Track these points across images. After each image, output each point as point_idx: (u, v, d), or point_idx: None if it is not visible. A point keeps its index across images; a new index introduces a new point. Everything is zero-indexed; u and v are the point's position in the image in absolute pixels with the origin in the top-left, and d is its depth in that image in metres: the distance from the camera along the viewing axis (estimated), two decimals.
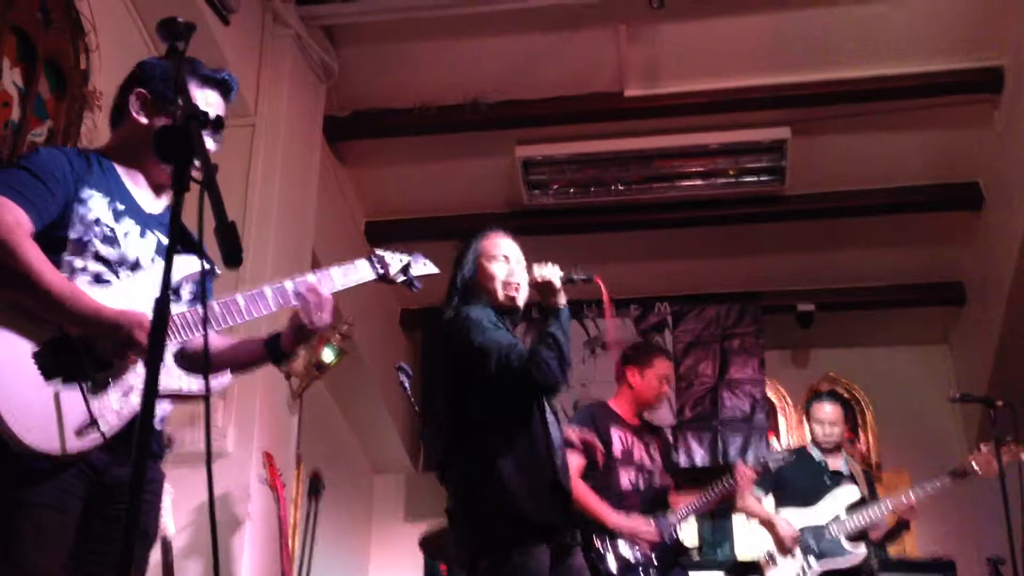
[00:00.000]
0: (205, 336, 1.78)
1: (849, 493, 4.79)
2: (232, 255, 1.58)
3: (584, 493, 4.02)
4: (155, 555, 3.86)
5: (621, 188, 6.30)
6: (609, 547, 4.11)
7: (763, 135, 5.91)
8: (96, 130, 3.87)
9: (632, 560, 4.10)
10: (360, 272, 2.54)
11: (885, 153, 6.05)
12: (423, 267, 2.73)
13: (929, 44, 5.39)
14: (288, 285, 2.34)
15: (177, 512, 4.06)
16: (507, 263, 3.09)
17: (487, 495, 2.84)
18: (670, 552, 4.25)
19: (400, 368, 4.27)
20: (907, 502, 4.64)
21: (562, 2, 5.22)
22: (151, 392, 1.49)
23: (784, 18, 5.39)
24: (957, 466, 4.69)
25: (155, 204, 2.36)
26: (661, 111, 5.82)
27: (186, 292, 2.32)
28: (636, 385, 4.46)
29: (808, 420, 5.08)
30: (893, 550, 6.34)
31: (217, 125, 2.22)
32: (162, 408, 2.27)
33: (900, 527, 4.80)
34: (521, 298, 3.08)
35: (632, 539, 4.12)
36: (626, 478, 4.31)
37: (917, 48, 5.42)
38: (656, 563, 4.17)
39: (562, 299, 2.99)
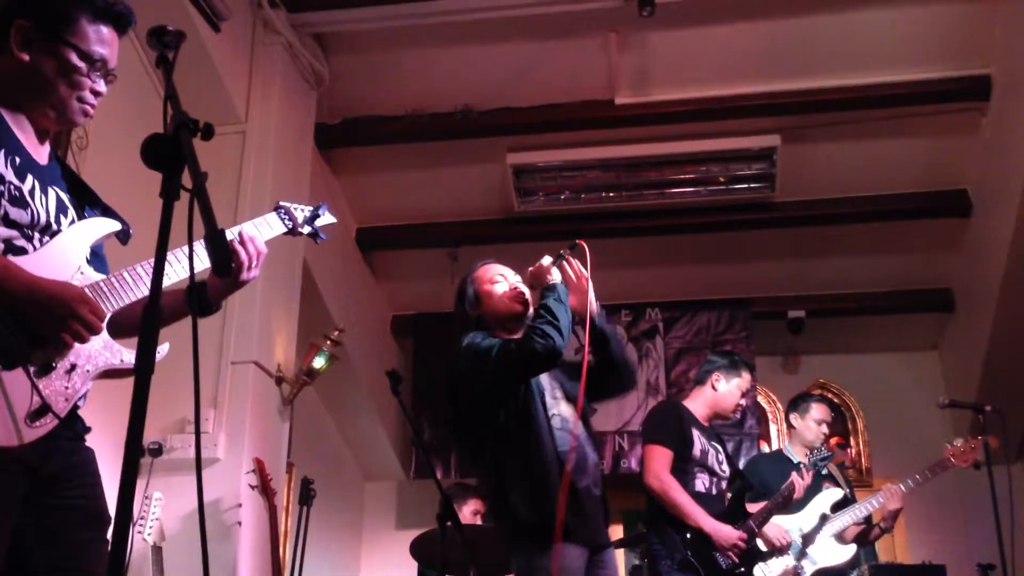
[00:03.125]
0: (194, 318, 1.67)
1: (832, 493, 4.82)
2: (222, 263, 1.58)
3: (676, 492, 4.08)
4: (146, 562, 3.87)
5: (611, 195, 6.32)
6: (699, 552, 4.10)
7: (753, 142, 5.93)
8: (85, 137, 3.87)
9: (723, 567, 4.09)
10: (272, 227, 2.51)
11: (874, 160, 6.08)
12: (326, 218, 2.70)
13: (917, 52, 5.42)
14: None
15: (168, 519, 4.06)
16: (505, 280, 3.25)
17: (500, 500, 3.04)
18: (747, 558, 4.26)
19: (391, 374, 4.26)
20: (891, 495, 4.67)
21: (553, 10, 5.22)
22: (141, 403, 1.46)
23: (774, 26, 5.41)
24: (936, 460, 4.80)
25: (41, 153, 2.11)
26: (651, 119, 5.84)
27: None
28: (719, 390, 4.48)
29: (801, 421, 5.00)
30: (884, 556, 6.36)
31: (207, 133, 2.06)
32: (86, 386, 2.04)
33: (875, 527, 4.82)
34: (530, 303, 3.20)
35: (725, 548, 4.10)
36: (700, 482, 4.32)
37: (905, 56, 5.45)
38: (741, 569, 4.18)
39: (555, 276, 3.11)
